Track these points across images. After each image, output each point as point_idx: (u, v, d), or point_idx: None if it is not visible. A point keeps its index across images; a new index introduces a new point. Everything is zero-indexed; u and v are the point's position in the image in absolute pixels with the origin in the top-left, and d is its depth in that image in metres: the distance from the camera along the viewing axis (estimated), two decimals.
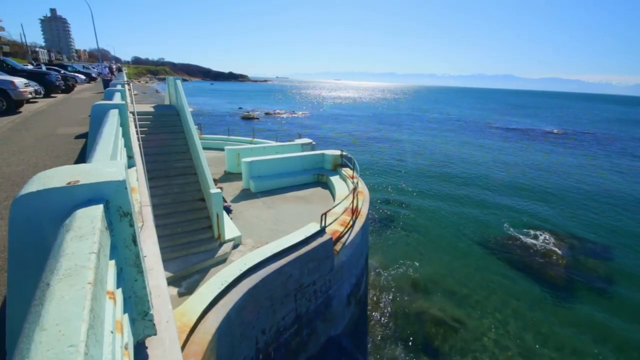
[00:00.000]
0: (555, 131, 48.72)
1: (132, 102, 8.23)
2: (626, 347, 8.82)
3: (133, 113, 6.85)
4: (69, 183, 1.19)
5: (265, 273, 5.79)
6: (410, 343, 8.53)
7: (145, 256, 1.88)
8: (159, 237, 3.01)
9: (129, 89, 11.23)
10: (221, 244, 6.65)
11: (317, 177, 11.81)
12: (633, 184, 22.95)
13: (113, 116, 3.81)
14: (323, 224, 7.12)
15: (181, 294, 5.37)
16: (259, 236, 7.48)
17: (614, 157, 32.04)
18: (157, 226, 3.43)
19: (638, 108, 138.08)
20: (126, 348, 1.21)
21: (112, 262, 1.25)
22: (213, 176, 7.63)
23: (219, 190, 6.74)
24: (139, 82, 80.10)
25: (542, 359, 8.30)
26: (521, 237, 14.11)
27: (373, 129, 44.36)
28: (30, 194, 1.13)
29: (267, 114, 56.27)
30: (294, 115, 57.37)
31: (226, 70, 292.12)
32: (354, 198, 8.57)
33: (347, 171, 11.58)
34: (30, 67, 25.24)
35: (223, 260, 6.39)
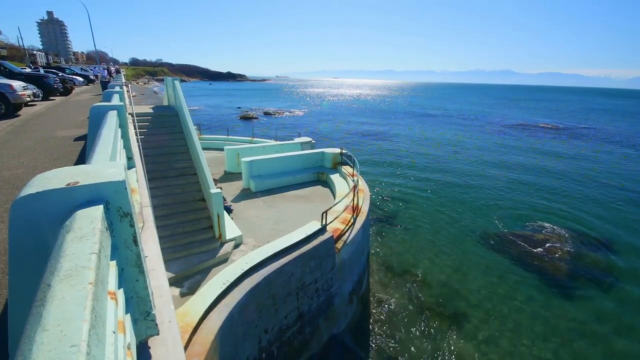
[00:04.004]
0: (553, 125, 48.67)
1: (130, 104, 8.23)
2: (628, 340, 8.84)
3: (132, 114, 6.85)
4: (68, 184, 1.19)
5: (267, 272, 5.80)
6: (413, 340, 8.54)
7: (146, 257, 1.88)
8: (160, 238, 3.01)
9: (127, 91, 11.22)
10: (222, 244, 6.66)
11: (317, 175, 11.81)
12: (634, 174, 22.95)
13: (112, 117, 3.81)
14: (324, 222, 7.13)
15: (183, 294, 5.38)
16: (260, 235, 7.49)
17: (612, 149, 32.03)
18: (157, 227, 3.43)
19: (636, 100, 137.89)
20: (129, 348, 1.21)
21: (113, 263, 1.25)
22: (213, 176, 7.63)
23: (219, 190, 6.74)
24: (137, 83, 79.98)
25: (545, 354, 8.32)
26: (523, 231, 14.11)
27: (372, 126, 44.31)
28: (29, 196, 1.13)
29: (266, 113, 56.13)
30: (293, 114, 57.28)
31: (224, 70, 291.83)
32: (354, 196, 8.58)
33: (347, 169, 11.58)
34: (28, 70, 25.22)
35: (224, 260, 6.39)
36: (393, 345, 8.38)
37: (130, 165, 4.31)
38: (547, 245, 12.94)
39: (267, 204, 9.58)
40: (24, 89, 12.65)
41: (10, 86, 11.69)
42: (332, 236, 7.09)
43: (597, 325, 9.29)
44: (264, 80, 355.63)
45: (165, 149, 8.29)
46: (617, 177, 22.93)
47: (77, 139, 8.41)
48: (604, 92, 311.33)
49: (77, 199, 1.18)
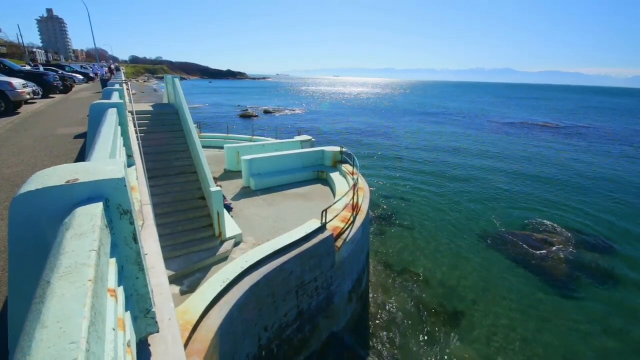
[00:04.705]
0: (554, 124, 48.62)
1: (130, 102, 8.22)
2: (628, 340, 8.86)
3: (132, 112, 6.84)
4: (68, 181, 1.19)
5: (267, 270, 5.80)
6: (412, 338, 8.56)
7: (146, 254, 1.88)
8: (160, 236, 3.01)
9: (127, 89, 11.21)
10: (222, 242, 6.66)
11: (317, 174, 11.80)
12: (633, 173, 22.93)
13: (112, 115, 3.80)
14: (324, 221, 7.13)
15: (183, 293, 5.39)
16: (260, 234, 7.49)
17: (612, 147, 32.00)
18: (158, 225, 3.43)
19: (636, 99, 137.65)
20: (129, 345, 1.21)
21: (113, 260, 1.24)
22: (213, 174, 7.63)
23: (219, 188, 6.74)
24: (137, 81, 79.85)
25: (547, 353, 8.34)
26: (523, 230, 14.12)
27: (372, 125, 44.28)
28: (29, 193, 1.12)
29: (266, 111, 56.05)
30: (293, 112, 57.22)
31: (225, 69, 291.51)
32: (354, 194, 8.57)
33: (347, 168, 11.58)
34: (28, 68, 25.18)
35: (224, 259, 6.40)
36: (392, 343, 8.40)
37: (130, 163, 4.30)
38: (547, 244, 12.95)
39: (267, 202, 9.57)
40: (24, 87, 12.63)
41: (10, 84, 11.68)
42: (332, 235, 7.09)
43: (600, 327, 9.30)
44: (264, 78, 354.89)
45: (165, 147, 8.28)
46: (616, 175, 22.92)
47: (77, 137, 8.41)
48: (604, 90, 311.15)
49: (76, 196, 1.18)
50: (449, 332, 8.79)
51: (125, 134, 4.51)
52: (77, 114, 12.14)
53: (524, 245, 12.84)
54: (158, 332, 1.59)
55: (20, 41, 66.03)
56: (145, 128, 8.52)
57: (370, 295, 9.94)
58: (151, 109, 9.81)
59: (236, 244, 6.88)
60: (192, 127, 8.32)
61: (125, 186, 1.28)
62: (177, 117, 9.27)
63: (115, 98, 5.67)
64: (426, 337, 8.61)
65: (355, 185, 8.64)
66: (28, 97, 13.07)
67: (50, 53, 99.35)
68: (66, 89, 20.58)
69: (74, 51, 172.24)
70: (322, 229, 7.09)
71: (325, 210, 7.14)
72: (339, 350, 7.49)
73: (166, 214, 6.88)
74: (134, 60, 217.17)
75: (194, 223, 6.92)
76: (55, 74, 20.24)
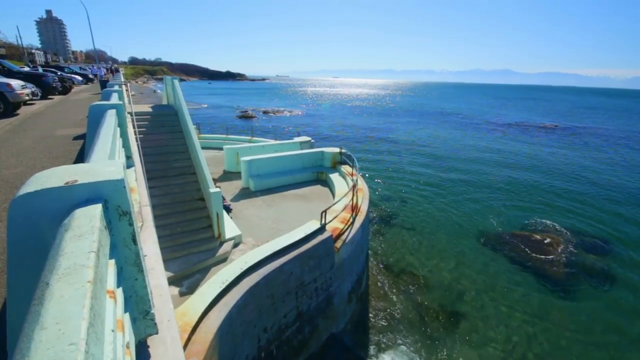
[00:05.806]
0: (552, 125, 48.72)
1: (129, 103, 8.22)
2: (628, 341, 8.86)
3: (131, 113, 6.84)
4: (67, 183, 1.19)
5: (266, 271, 5.80)
6: (412, 339, 8.55)
7: (145, 256, 1.88)
8: (159, 237, 3.00)
9: (126, 90, 11.21)
10: (221, 243, 6.65)
11: (317, 174, 11.80)
12: (633, 174, 22.99)
13: (111, 116, 3.80)
14: (323, 222, 7.13)
15: (182, 294, 5.38)
16: (259, 235, 7.49)
17: (611, 147, 32.09)
18: (157, 226, 3.42)
19: (634, 100, 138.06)
20: (128, 347, 1.21)
21: (112, 262, 1.24)
22: (212, 175, 7.62)
23: (218, 189, 6.74)
24: (137, 82, 79.74)
25: (546, 353, 8.34)
26: (522, 232, 14.12)
27: (371, 126, 44.33)
28: (28, 194, 1.12)
29: (265, 112, 56.09)
30: (292, 113, 57.25)
31: (224, 70, 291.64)
32: (353, 195, 8.58)
33: (346, 168, 11.58)
34: (26, 69, 25.15)
35: (224, 259, 6.39)
36: (392, 345, 8.39)
37: (129, 164, 4.30)
38: (547, 244, 12.96)
39: (267, 203, 9.57)
40: (23, 88, 12.61)
41: (8, 85, 11.65)
42: (331, 235, 7.09)
43: (601, 328, 9.30)
44: (263, 79, 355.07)
45: (165, 148, 8.28)
46: (616, 174, 22.97)
47: (76, 138, 8.39)
48: (603, 92, 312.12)
49: (75, 197, 1.18)
50: (449, 333, 8.79)
51: (124, 135, 4.51)
52: (75, 115, 12.12)
53: (524, 246, 12.85)
54: (157, 333, 1.58)
55: (19, 42, 65.91)
56: (144, 129, 8.52)
57: (370, 296, 9.93)
58: (150, 110, 9.80)
59: (235, 245, 6.88)
60: (191, 128, 8.32)
61: (124, 187, 1.28)
62: (176, 118, 9.27)
63: (115, 99, 5.67)
64: (426, 339, 8.60)
65: (354, 186, 8.64)
66: (27, 98, 13.05)
67: (49, 54, 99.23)
68: (65, 90, 20.55)
69: (73, 52, 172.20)
70: (322, 229, 7.09)
71: (325, 211, 7.14)
72: (338, 351, 7.48)
73: (165, 215, 6.87)
74: (133, 62, 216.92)
75: (193, 224, 6.91)
76: (54, 75, 20.21)
